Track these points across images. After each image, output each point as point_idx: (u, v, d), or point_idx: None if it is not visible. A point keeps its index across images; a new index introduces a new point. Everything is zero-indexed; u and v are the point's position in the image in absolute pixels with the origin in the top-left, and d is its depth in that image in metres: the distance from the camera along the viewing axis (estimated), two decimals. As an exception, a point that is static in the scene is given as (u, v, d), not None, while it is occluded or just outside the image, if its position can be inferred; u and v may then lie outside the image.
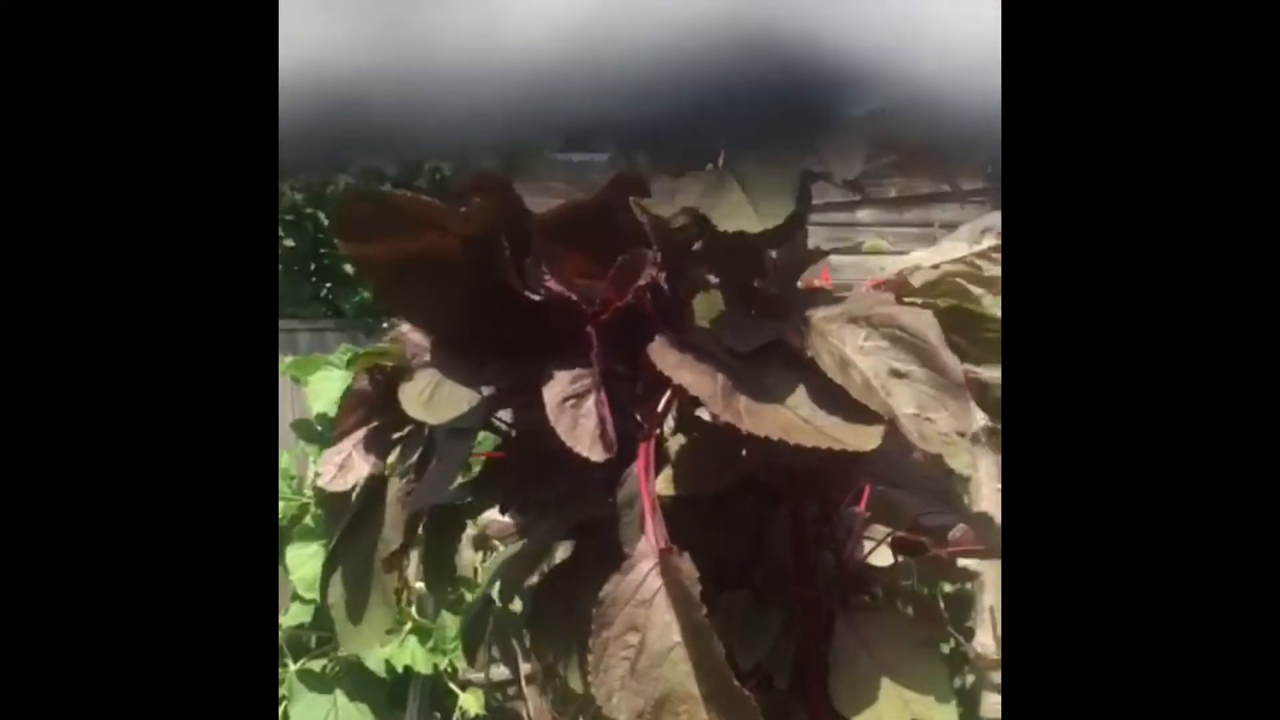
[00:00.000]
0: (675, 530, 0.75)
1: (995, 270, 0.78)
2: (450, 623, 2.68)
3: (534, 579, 1.01)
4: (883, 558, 0.92)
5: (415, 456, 0.87)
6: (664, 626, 0.68)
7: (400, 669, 2.77)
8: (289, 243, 5.63)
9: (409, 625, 2.66)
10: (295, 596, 2.90)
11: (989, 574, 2.43)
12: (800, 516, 0.89)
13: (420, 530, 0.90)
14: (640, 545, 0.72)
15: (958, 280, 0.75)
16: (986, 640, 2.39)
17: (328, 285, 5.87)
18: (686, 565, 0.68)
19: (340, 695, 2.92)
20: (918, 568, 0.93)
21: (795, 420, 0.63)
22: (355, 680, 2.92)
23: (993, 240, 0.78)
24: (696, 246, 0.79)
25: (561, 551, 0.99)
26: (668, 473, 0.82)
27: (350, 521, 0.88)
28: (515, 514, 1.00)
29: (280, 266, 5.45)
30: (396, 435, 0.89)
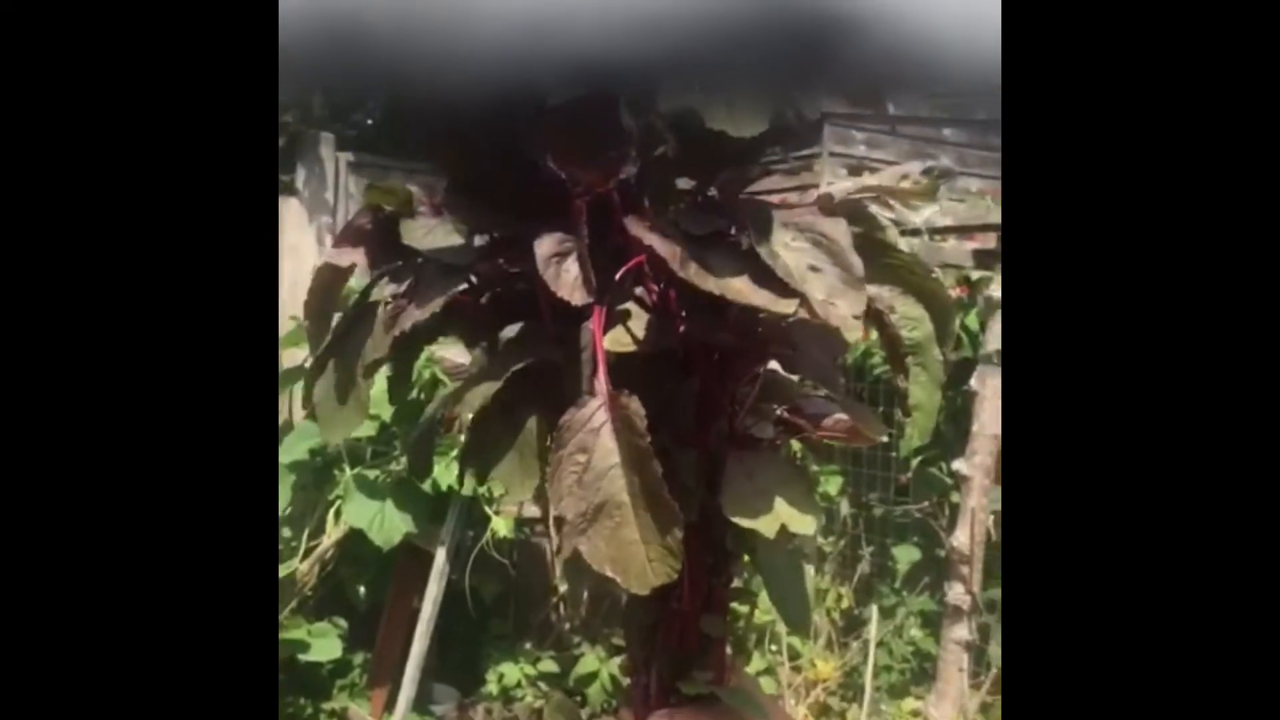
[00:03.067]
0: (613, 379, 0.94)
1: (906, 213, 0.99)
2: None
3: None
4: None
5: (404, 286, 1.02)
6: (606, 451, 0.88)
7: (444, 488, 3.02)
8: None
9: (455, 449, 2.83)
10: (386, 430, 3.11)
11: (977, 479, 2.75)
12: (708, 385, 1.10)
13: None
14: (595, 386, 0.91)
15: (870, 210, 0.96)
16: (963, 538, 2.72)
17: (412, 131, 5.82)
18: (635, 404, 0.88)
19: (388, 502, 3.18)
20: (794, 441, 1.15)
21: (733, 285, 0.83)
22: (402, 491, 3.17)
23: (908, 184, 0.99)
24: (671, 153, 0.97)
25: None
26: (614, 333, 1.00)
27: (340, 331, 1.03)
28: (472, 351, 1.17)
29: (386, 107, 5.43)
30: (394, 263, 1.04)
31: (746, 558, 1.05)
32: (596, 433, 0.88)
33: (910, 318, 0.96)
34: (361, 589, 3.50)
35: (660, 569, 0.84)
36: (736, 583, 1.04)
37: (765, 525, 0.88)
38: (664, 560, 0.82)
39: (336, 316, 1.12)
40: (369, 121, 5.64)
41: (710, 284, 0.83)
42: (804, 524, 0.88)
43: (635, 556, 0.83)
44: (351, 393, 1.02)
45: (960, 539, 2.86)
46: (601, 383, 0.91)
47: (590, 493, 0.87)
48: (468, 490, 3.07)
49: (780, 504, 0.89)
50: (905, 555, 3.96)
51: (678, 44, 0.75)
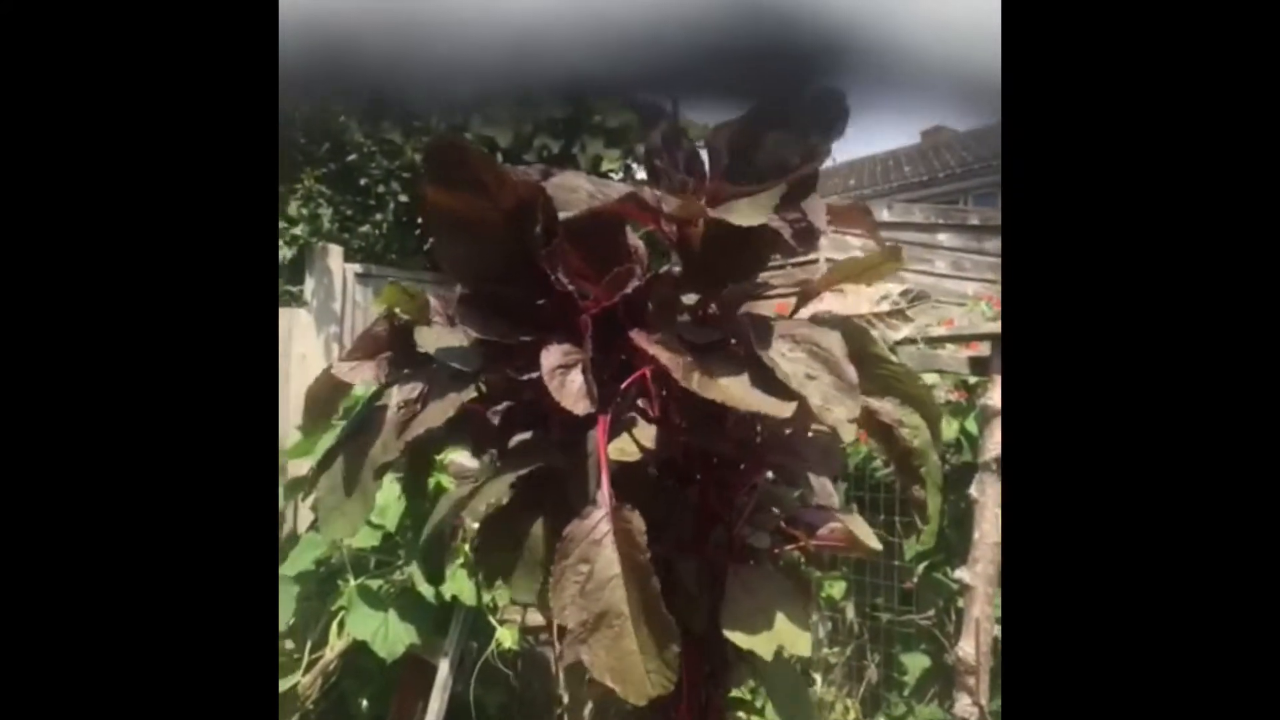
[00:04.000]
0: (615, 488, 0.96)
1: (888, 332, 1.03)
2: (498, 562, 2.95)
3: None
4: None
5: (416, 392, 1.05)
6: (608, 562, 0.90)
7: (449, 598, 3.00)
8: (403, 197, 5.82)
9: (460, 559, 2.83)
10: (365, 521, 3.14)
11: (980, 588, 2.72)
12: (706, 495, 1.12)
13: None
14: (598, 497, 0.93)
15: (860, 324, 1.00)
16: (968, 649, 2.67)
17: (430, 240, 5.97)
18: (636, 518, 0.90)
19: (392, 613, 3.15)
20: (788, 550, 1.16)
21: (734, 392, 0.86)
22: (406, 602, 3.15)
23: (888, 306, 1.03)
24: (677, 269, 1.02)
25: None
26: (617, 442, 1.03)
27: (349, 432, 1.05)
28: (480, 458, 1.19)
29: (392, 219, 5.61)
30: (403, 371, 1.07)
31: (748, 668, 1.05)
32: (599, 544, 0.90)
33: (912, 426, 0.99)
34: (364, 702, 3.44)
35: (658, 680, 0.85)
36: (737, 692, 1.04)
37: (763, 645, 0.89)
38: (661, 672, 0.84)
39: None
40: (377, 233, 5.80)
41: (713, 391, 0.86)
42: (801, 644, 0.89)
43: (634, 667, 0.84)
44: (356, 492, 1.04)
45: (965, 649, 2.80)
46: (605, 494, 0.93)
47: (592, 603, 0.88)
48: (472, 600, 3.05)
49: (779, 622, 0.90)
50: (914, 664, 3.87)
51: (667, 64, 0.75)
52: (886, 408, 0.96)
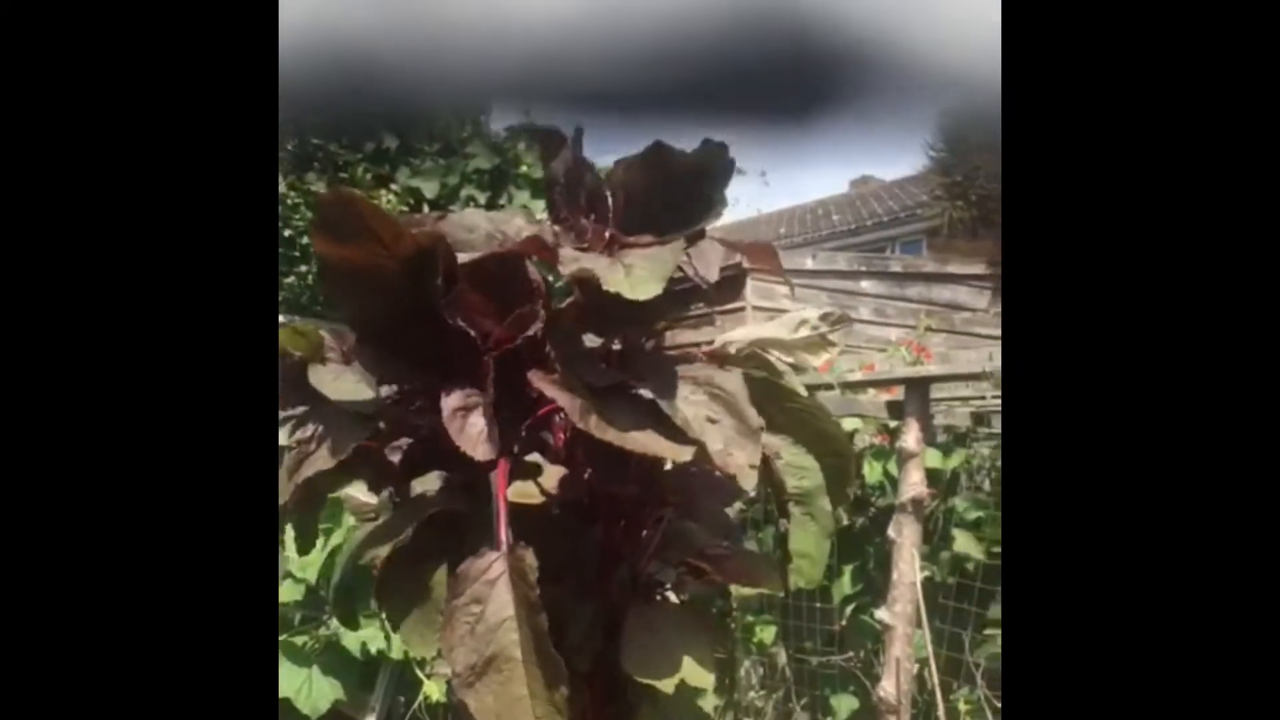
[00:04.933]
0: (517, 530, 0.95)
1: (805, 357, 1.04)
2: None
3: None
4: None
5: (310, 432, 1.02)
6: (501, 604, 0.88)
7: (374, 652, 2.90)
8: None
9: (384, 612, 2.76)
10: (287, 574, 3.02)
11: (899, 628, 2.73)
12: (610, 533, 1.11)
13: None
14: (496, 538, 0.91)
15: (766, 357, 1.01)
16: (890, 688, 2.68)
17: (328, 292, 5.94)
18: (530, 558, 0.89)
19: (316, 669, 3.04)
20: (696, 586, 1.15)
21: (633, 436, 0.86)
22: (331, 657, 3.04)
23: (806, 331, 1.04)
24: (569, 305, 1.01)
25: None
26: (519, 485, 1.02)
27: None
28: (378, 495, 1.16)
29: (316, 270, 5.54)
30: (293, 412, 1.04)
31: (654, 712, 1.03)
32: (493, 584, 0.89)
33: (798, 466, 0.99)
34: (291, 762, 3.31)
35: None
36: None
37: (664, 681, 0.88)
38: (550, 716, 0.81)
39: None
40: (301, 284, 5.76)
41: (610, 435, 0.86)
42: (703, 679, 0.88)
43: (522, 713, 0.82)
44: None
45: (887, 688, 2.82)
46: (502, 535, 0.92)
47: (482, 644, 0.86)
48: (398, 655, 2.97)
49: (681, 658, 0.89)
50: (843, 705, 3.88)
51: (677, 78, 0.77)
52: (771, 442, 0.96)
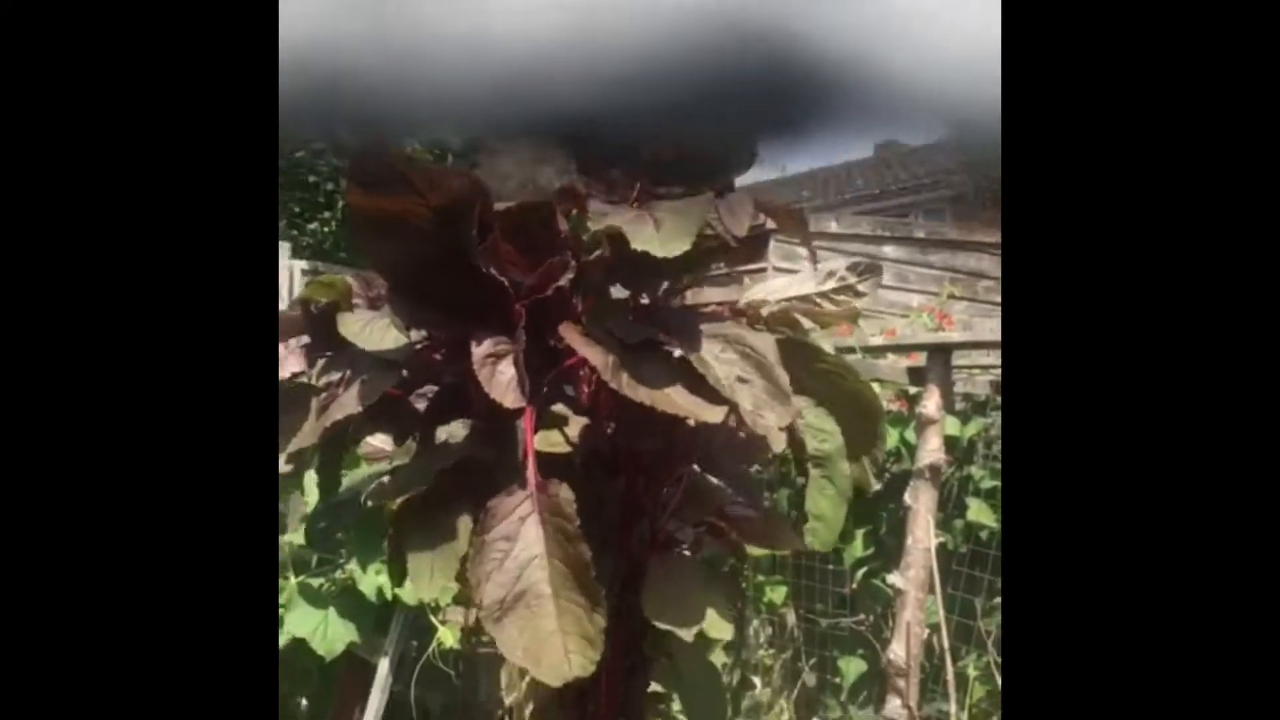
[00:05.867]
0: (544, 477, 0.95)
1: (831, 308, 1.03)
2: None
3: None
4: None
5: (338, 376, 1.03)
6: (530, 541, 0.89)
7: (389, 597, 2.97)
8: None
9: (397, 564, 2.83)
10: (305, 518, 3.09)
11: (911, 593, 2.76)
12: (632, 488, 1.11)
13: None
14: (524, 479, 0.92)
15: (795, 315, 1.00)
16: (900, 651, 2.71)
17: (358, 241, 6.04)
18: (565, 492, 0.89)
19: (332, 611, 3.13)
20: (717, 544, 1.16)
21: (663, 395, 0.86)
22: (347, 600, 3.12)
23: (834, 284, 1.03)
24: (599, 257, 1.01)
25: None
26: (545, 434, 1.02)
27: (272, 418, 1.03)
28: (400, 445, 1.17)
29: (340, 216, 5.58)
30: (322, 355, 1.05)
31: (667, 663, 1.05)
32: (522, 522, 0.89)
33: (820, 429, 0.99)
34: (303, 701, 3.39)
35: (578, 661, 0.83)
36: (655, 687, 1.03)
37: (684, 628, 0.89)
38: (583, 651, 0.82)
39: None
40: (326, 230, 5.77)
41: (641, 394, 0.85)
42: (722, 629, 0.89)
43: (551, 648, 0.82)
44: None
45: (897, 652, 2.85)
46: (531, 476, 0.92)
47: (510, 580, 0.87)
48: (413, 600, 3.02)
49: (701, 607, 0.90)
50: (850, 667, 3.91)
51: (659, 92, 0.76)
52: (795, 404, 0.96)
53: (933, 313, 4.26)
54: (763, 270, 4.63)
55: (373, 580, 3.04)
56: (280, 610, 3.18)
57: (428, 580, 0.93)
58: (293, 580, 3.21)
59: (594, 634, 0.84)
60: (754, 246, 0.96)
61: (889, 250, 5.31)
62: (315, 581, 3.17)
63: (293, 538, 3.13)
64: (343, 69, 0.73)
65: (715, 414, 0.85)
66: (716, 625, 0.89)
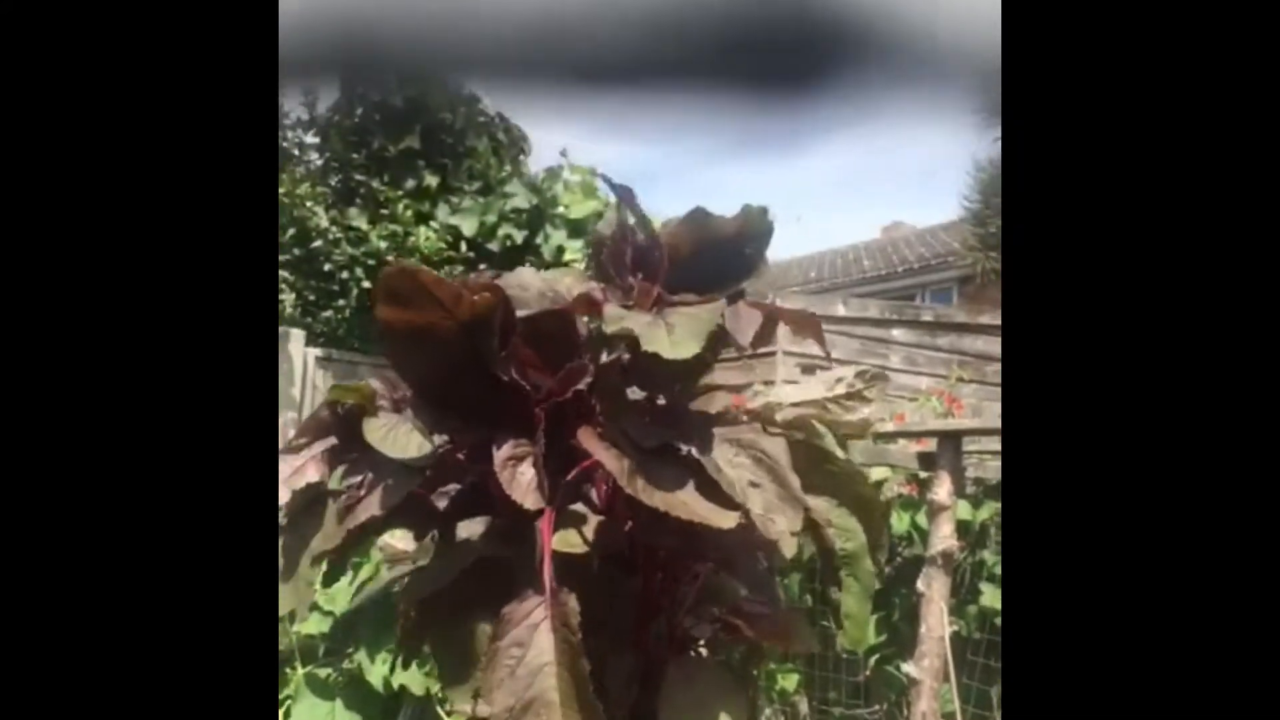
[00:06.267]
0: (559, 578, 0.97)
1: (842, 414, 1.06)
2: (445, 653, 2.91)
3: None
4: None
5: (359, 479, 1.05)
6: (542, 649, 0.90)
7: (396, 688, 2.95)
8: (367, 284, 5.94)
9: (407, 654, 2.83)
10: (314, 607, 3.10)
11: (927, 682, 2.73)
12: (649, 585, 1.12)
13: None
14: (540, 584, 0.94)
15: (810, 420, 1.03)
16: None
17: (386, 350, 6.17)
18: (573, 604, 0.91)
19: (339, 703, 3.11)
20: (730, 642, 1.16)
21: (677, 499, 0.88)
22: (354, 691, 3.09)
23: (843, 389, 1.06)
24: (612, 361, 1.04)
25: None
26: (563, 534, 1.04)
27: (291, 518, 1.05)
28: (420, 541, 1.19)
29: (355, 304, 5.66)
30: (347, 458, 1.08)
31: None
32: (535, 629, 0.91)
33: (845, 529, 1.01)
34: (312, 794, 3.33)
35: None
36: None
37: (701, 736, 0.89)
38: None
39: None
40: (339, 318, 5.87)
41: (656, 499, 0.88)
42: (741, 736, 0.89)
43: (558, 757, 0.83)
44: (293, 580, 1.03)
45: (915, 744, 2.79)
46: (546, 581, 0.94)
47: (521, 688, 0.88)
48: (420, 691, 3.00)
49: (718, 713, 0.90)
50: (865, 759, 3.83)
51: (670, 51, 0.76)
52: (820, 506, 0.98)
53: (942, 396, 4.28)
54: (772, 354, 4.67)
55: (380, 670, 3.02)
56: (287, 701, 3.16)
57: (454, 679, 0.94)
58: (300, 670, 3.19)
59: None
60: (763, 332, 0.99)
61: (897, 333, 5.35)
62: (322, 672, 3.15)
63: (301, 628, 3.12)
64: (370, 15, 0.73)
65: (728, 519, 0.87)
66: (737, 732, 0.89)
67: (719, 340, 0.96)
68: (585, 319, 1.08)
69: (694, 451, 0.92)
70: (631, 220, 1.05)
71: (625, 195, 1.04)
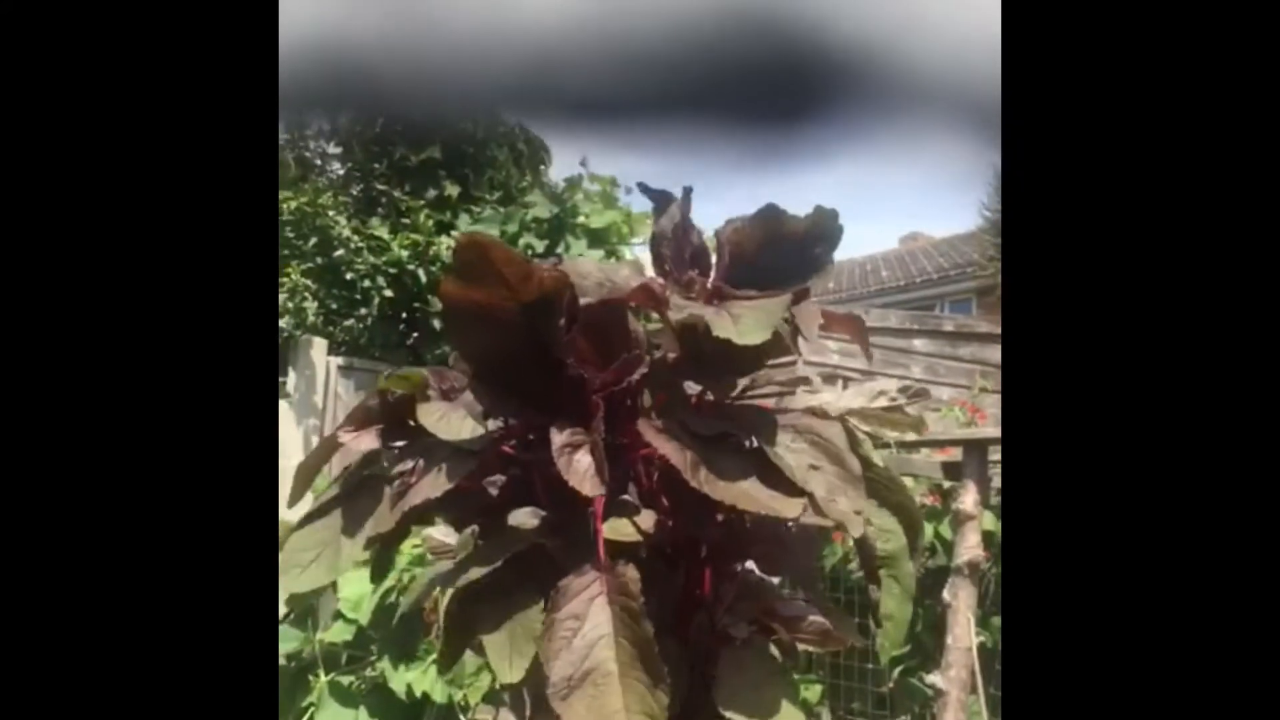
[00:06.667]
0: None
1: (877, 428, 1.06)
2: (469, 659, 2.87)
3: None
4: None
5: (411, 465, 1.06)
6: (598, 621, 0.91)
7: (419, 695, 2.96)
8: (388, 292, 5.98)
9: (433, 655, 2.81)
10: (338, 614, 3.10)
11: (953, 693, 2.71)
12: (691, 580, 1.12)
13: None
14: (594, 561, 0.94)
15: (849, 426, 1.03)
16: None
17: (415, 334, 6.21)
18: (631, 572, 0.90)
19: (362, 710, 3.12)
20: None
21: (741, 490, 0.88)
22: (377, 698, 3.11)
23: (884, 401, 1.06)
24: (674, 356, 1.05)
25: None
26: (613, 523, 1.04)
27: (341, 496, 1.06)
28: (462, 532, 1.20)
29: (376, 313, 5.71)
30: (397, 445, 1.08)
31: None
32: (591, 602, 0.91)
33: (885, 530, 1.01)
34: (336, 803, 3.33)
35: None
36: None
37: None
38: None
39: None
40: (361, 326, 5.91)
41: (720, 490, 0.88)
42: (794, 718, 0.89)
43: (615, 726, 0.83)
44: (329, 556, 1.04)
45: (942, 756, 2.76)
46: (600, 558, 0.94)
47: (579, 658, 0.88)
48: (443, 698, 3.00)
49: (773, 698, 0.90)
50: (891, 770, 3.80)
51: (668, 84, 0.78)
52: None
53: (965, 406, 4.26)
54: (792, 364, 4.66)
55: (403, 677, 3.03)
56: (310, 708, 3.16)
57: (509, 664, 0.94)
58: (323, 678, 3.19)
59: (657, 711, 0.85)
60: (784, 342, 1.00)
61: (918, 344, 5.34)
62: (345, 679, 3.16)
63: (324, 635, 3.13)
64: (362, 51, 0.74)
65: (793, 508, 0.87)
66: (790, 715, 0.89)
67: (779, 336, 0.96)
68: (638, 315, 1.09)
69: (753, 441, 0.92)
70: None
71: (684, 195, 1.05)
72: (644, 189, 1.03)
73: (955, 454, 3.20)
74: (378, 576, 1.20)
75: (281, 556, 1.06)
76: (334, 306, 5.97)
